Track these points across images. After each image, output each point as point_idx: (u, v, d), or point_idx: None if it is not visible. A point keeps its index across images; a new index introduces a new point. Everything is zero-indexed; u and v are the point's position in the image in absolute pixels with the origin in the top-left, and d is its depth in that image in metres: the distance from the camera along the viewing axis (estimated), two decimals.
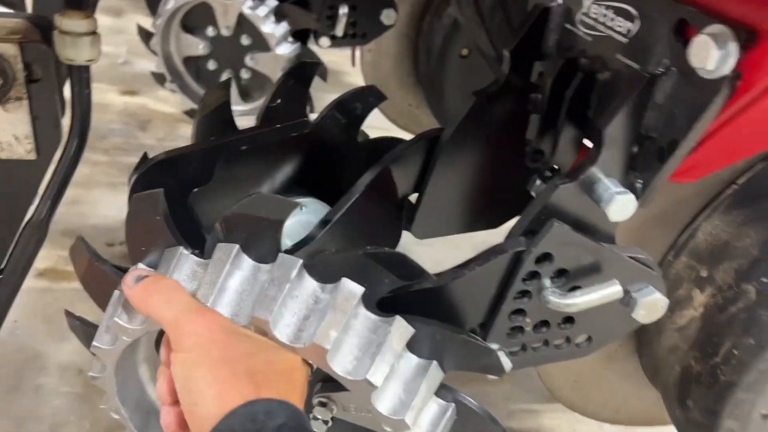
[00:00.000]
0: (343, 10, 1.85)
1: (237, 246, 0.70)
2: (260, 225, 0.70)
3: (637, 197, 0.76)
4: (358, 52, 2.22)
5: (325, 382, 0.82)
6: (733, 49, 0.62)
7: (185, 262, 0.71)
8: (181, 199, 0.81)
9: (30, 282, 1.74)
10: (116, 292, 0.74)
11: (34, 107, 0.74)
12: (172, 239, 0.71)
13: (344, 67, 3.00)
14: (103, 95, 3.12)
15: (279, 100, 0.96)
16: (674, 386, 0.99)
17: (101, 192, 2.45)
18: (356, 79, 2.40)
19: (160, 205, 0.70)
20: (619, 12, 0.79)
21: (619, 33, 0.79)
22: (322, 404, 0.80)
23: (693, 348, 0.94)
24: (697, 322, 0.94)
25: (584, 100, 0.86)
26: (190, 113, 2.20)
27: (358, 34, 1.93)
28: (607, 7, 0.81)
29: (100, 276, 0.75)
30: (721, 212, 0.94)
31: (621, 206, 0.74)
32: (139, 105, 3.16)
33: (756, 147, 0.74)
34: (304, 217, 1.07)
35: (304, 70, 1.00)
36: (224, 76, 1.95)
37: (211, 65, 1.96)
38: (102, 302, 0.76)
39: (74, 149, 0.79)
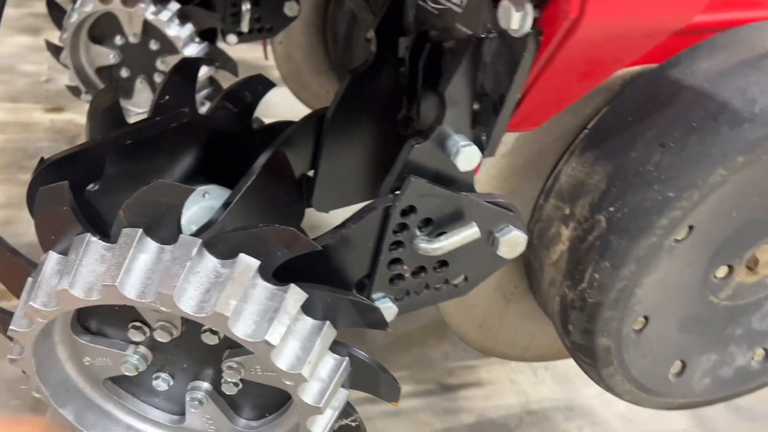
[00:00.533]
0: (246, 6, 1.91)
1: (140, 230, 0.77)
2: (161, 210, 0.77)
3: (483, 148, 0.86)
4: (270, 46, 2.28)
5: (232, 349, 0.90)
6: (529, 9, 0.72)
7: (93, 248, 0.77)
8: (79, 193, 0.88)
9: None
10: (29, 280, 0.81)
11: None
12: (80, 227, 0.78)
13: (264, 62, 3.06)
14: (29, 114, 3.11)
15: (167, 96, 1.03)
16: (557, 315, 1.11)
17: None
18: (276, 72, 2.47)
19: (66, 195, 0.77)
20: None
21: (455, 4, 0.89)
22: (231, 368, 0.89)
23: (565, 278, 1.05)
24: (566, 255, 1.05)
25: (436, 68, 0.95)
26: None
27: (264, 28, 1.99)
28: None
29: (15, 267, 0.82)
30: (576, 155, 1.06)
31: (467, 157, 0.84)
32: (65, 121, 3.16)
33: (574, 93, 0.85)
34: (208, 203, 1.15)
35: (189, 66, 1.07)
36: (138, 83, 2.00)
37: (124, 73, 2.00)
38: (17, 291, 0.83)
39: None
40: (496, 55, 0.81)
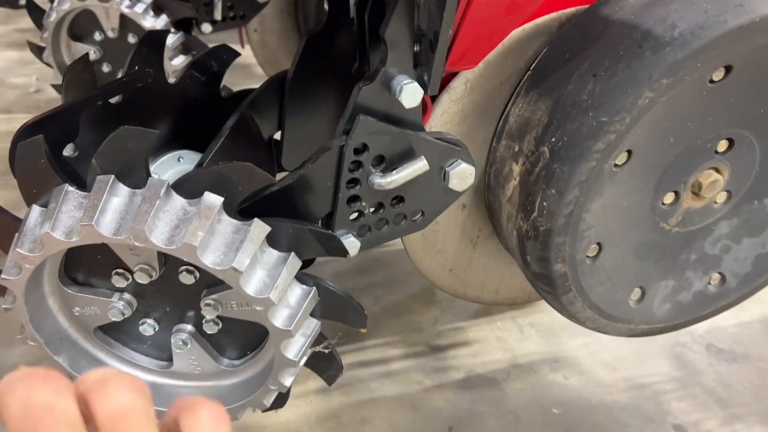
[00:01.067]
0: None
1: (112, 176, 0.84)
2: (129, 155, 0.84)
3: (425, 87, 0.93)
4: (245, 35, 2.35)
5: (209, 288, 0.98)
6: None
7: (71, 197, 0.85)
8: (57, 153, 0.95)
9: None
10: (16, 235, 0.88)
11: None
12: (58, 180, 0.86)
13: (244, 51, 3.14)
14: (20, 124, 3.19)
15: (135, 67, 1.10)
16: (516, 249, 1.18)
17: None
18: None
19: (42, 148, 0.84)
20: None
21: None
22: (208, 305, 0.96)
23: (519, 211, 1.12)
24: (518, 189, 1.12)
25: (380, 18, 1.03)
26: None
27: (237, 15, 2.07)
28: None
29: (3, 224, 0.90)
30: (522, 96, 1.13)
31: (410, 94, 0.91)
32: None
33: (503, 27, 0.92)
34: (183, 166, 1.23)
35: (155, 37, 1.15)
36: (118, 75, 2.08)
37: (105, 68, 2.08)
38: (6, 247, 0.91)
39: None
40: None
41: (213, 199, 0.85)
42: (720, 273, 1.31)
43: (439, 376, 1.92)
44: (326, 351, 1.00)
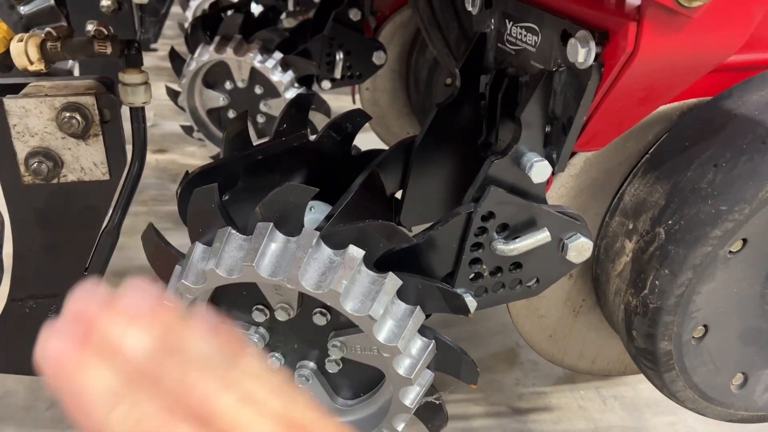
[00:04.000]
0: (339, 55, 2.15)
1: (271, 224, 0.96)
2: (289, 207, 0.96)
3: (554, 165, 1.01)
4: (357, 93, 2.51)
5: (337, 330, 1.07)
6: (593, 45, 0.88)
7: (233, 239, 0.97)
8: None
9: None
10: (177, 267, 1.01)
11: (106, 140, 1.03)
12: (222, 223, 0.98)
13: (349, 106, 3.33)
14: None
15: (284, 125, 1.24)
16: (622, 322, 1.22)
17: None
18: None
19: (215, 196, 0.97)
20: (528, 30, 1.06)
21: (530, 45, 1.06)
22: (335, 346, 1.05)
23: (629, 286, 1.17)
24: (629, 265, 1.17)
25: (513, 99, 1.12)
26: (215, 158, 2.51)
27: (354, 75, 2.23)
28: (521, 27, 1.08)
29: (166, 256, 1.02)
30: (639, 177, 1.19)
31: (539, 170, 0.99)
32: (169, 161, 3.51)
33: (633, 117, 0.99)
34: (313, 216, 1.34)
35: (303, 101, 1.28)
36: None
37: (231, 114, 2.27)
38: (164, 275, 1.03)
39: (136, 170, 1.07)
40: (565, 84, 0.96)
41: (356, 252, 0.94)
42: None
43: None
44: (437, 402, 1.06)
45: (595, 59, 0.89)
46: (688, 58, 0.88)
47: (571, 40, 0.90)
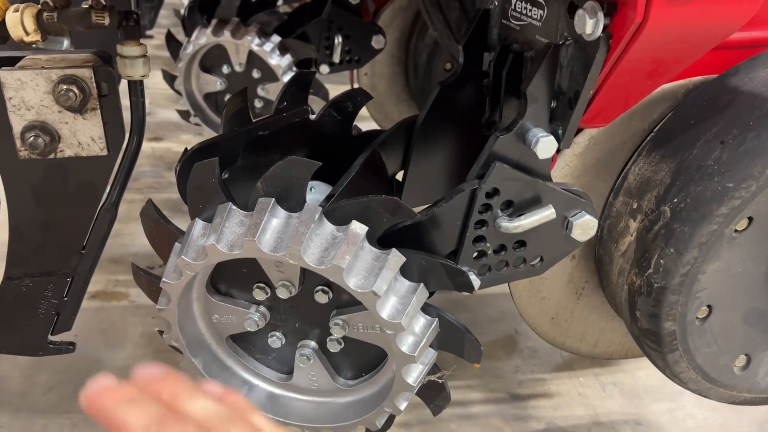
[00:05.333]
0: (338, 39, 2.13)
1: (273, 199, 0.94)
2: (291, 182, 0.94)
3: (559, 140, 0.99)
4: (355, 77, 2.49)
5: (339, 308, 1.05)
6: (601, 16, 0.86)
7: (234, 215, 0.95)
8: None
9: (85, 303, 2.01)
10: (176, 245, 0.99)
11: (104, 115, 1.01)
12: (223, 198, 0.96)
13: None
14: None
15: (285, 102, 1.22)
16: (626, 303, 1.21)
17: (138, 225, 2.70)
18: None
19: (216, 170, 0.95)
20: (534, 4, 1.04)
21: (535, 19, 1.04)
22: (337, 324, 1.04)
23: (633, 266, 1.16)
24: (633, 245, 1.16)
25: (518, 75, 1.10)
26: None
27: (353, 59, 2.21)
28: (526, 2, 1.06)
29: (165, 232, 1.01)
30: (644, 156, 1.17)
31: (545, 146, 0.97)
32: (164, 149, 3.49)
33: (641, 91, 0.98)
34: (313, 196, 1.32)
35: (303, 78, 1.26)
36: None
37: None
38: (163, 252, 1.02)
39: (134, 145, 1.05)
40: (572, 58, 0.95)
41: (359, 228, 0.93)
42: None
43: (519, 425, 1.92)
44: (440, 381, 1.05)
45: (603, 30, 0.87)
46: (696, 29, 0.86)
47: (579, 12, 0.89)
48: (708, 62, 1.14)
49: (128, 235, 2.65)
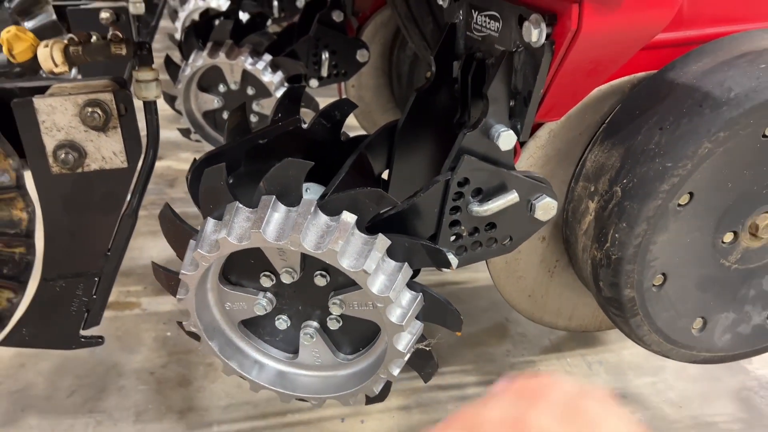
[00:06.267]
0: (325, 55, 2.29)
1: (274, 196, 1.09)
2: (288, 180, 1.09)
3: (518, 134, 1.15)
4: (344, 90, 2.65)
5: (336, 290, 1.20)
6: (544, 26, 1.02)
7: (241, 212, 1.10)
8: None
9: None
10: (191, 242, 1.14)
11: (124, 132, 1.17)
12: (231, 198, 1.11)
13: None
14: None
15: (279, 114, 1.38)
16: (590, 276, 1.36)
17: (144, 240, 2.89)
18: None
19: (223, 174, 1.10)
20: (491, 17, 1.20)
21: (493, 31, 1.20)
22: (335, 304, 1.19)
23: (594, 242, 1.31)
24: (593, 223, 1.31)
25: (482, 80, 1.26)
26: None
27: (340, 72, 2.37)
28: (485, 16, 1.22)
29: (181, 231, 1.16)
30: (598, 144, 1.33)
31: (506, 139, 1.13)
32: (165, 167, 3.65)
33: (585, 88, 1.14)
34: (309, 196, 1.48)
35: (295, 92, 1.42)
36: None
37: (226, 115, 2.41)
38: (179, 249, 1.17)
39: (150, 157, 1.21)
40: (524, 63, 1.11)
41: (349, 217, 1.08)
42: None
43: None
44: (428, 348, 1.20)
45: (547, 38, 1.03)
46: (624, 33, 1.02)
47: (525, 23, 1.05)
48: (649, 60, 1.30)
49: (137, 249, 2.80)
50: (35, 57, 1.09)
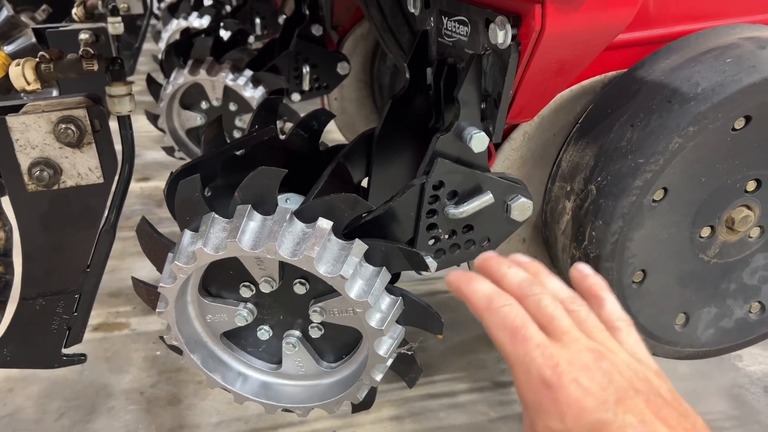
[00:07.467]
0: (306, 69, 2.31)
1: (249, 206, 1.10)
2: (263, 189, 1.10)
3: (491, 136, 1.16)
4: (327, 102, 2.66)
5: (316, 297, 1.20)
6: (509, 28, 1.04)
7: (217, 223, 1.10)
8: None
9: (89, 335, 2.13)
10: (169, 255, 1.14)
11: (99, 148, 1.17)
12: (207, 209, 1.12)
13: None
14: None
15: (256, 125, 1.38)
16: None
17: (133, 260, 2.88)
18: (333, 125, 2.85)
19: (198, 186, 1.11)
20: (460, 22, 1.22)
21: (462, 35, 1.22)
22: (315, 312, 1.19)
23: (572, 241, 1.32)
24: (570, 223, 1.32)
25: (453, 84, 1.28)
26: None
27: (322, 86, 2.39)
28: (454, 21, 1.24)
29: (158, 244, 1.16)
30: (572, 144, 1.34)
31: (478, 141, 1.14)
32: (153, 188, 3.66)
33: (554, 87, 1.15)
34: (289, 206, 1.48)
35: (270, 103, 1.43)
36: None
37: None
38: (158, 262, 1.17)
39: (126, 172, 1.21)
40: (492, 65, 1.12)
41: (325, 223, 1.09)
42: (759, 302, 1.45)
43: (504, 409, 2.07)
44: (410, 352, 1.20)
45: (513, 39, 1.05)
46: (588, 32, 1.04)
47: (491, 25, 1.06)
48: (621, 60, 1.32)
49: (125, 270, 2.80)
50: (7, 76, 1.09)
